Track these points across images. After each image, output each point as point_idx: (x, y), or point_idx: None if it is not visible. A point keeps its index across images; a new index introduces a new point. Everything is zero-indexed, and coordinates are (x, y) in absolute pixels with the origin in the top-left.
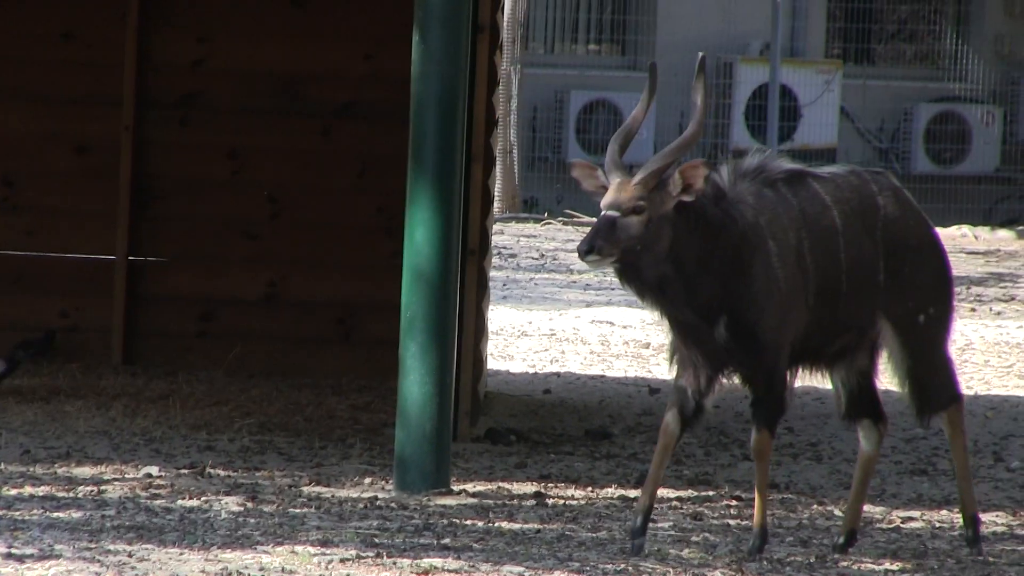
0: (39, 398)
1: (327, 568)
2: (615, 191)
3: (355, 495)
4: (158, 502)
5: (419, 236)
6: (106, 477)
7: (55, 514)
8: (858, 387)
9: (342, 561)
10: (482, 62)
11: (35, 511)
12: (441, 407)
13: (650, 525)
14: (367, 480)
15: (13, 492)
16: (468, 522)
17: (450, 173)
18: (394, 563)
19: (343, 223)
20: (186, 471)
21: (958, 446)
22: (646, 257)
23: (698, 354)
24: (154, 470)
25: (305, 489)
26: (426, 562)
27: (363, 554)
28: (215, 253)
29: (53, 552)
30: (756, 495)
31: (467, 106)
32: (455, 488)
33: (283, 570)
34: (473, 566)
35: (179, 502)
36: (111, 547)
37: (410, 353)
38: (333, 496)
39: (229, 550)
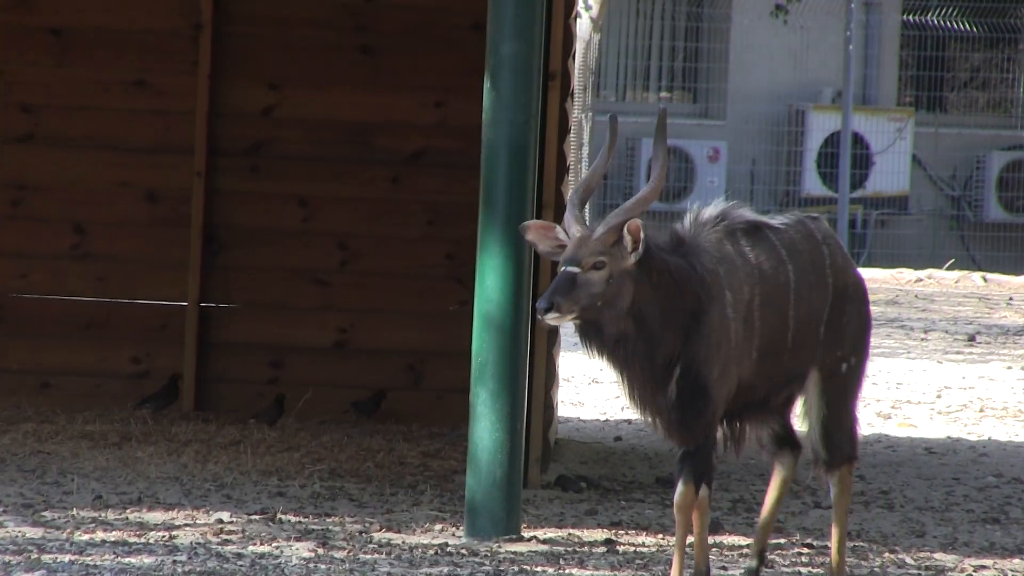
0: (111, 443)
1: None
2: (576, 247)
3: (426, 541)
4: (229, 548)
5: (490, 283)
6: (177, 523)
7: (126, 559)
8: (778, 426)
9: None
10: (553, 109)
11: (107, 556)
12: (512, 454)
13: (722, 572)
14: (438, 526)
15: (85, 537)
16: (539, 569)
17: (521, 220)
18: None
19: (413, 271)
20: (257, 517)
21: (842, 508)
22: (607, 314)
23: (653, 412)
24: (225, 516)
25: (376, 535)
26: None
27: None
28: (285, 301)
29: None
30: (675, 553)
31: (538, 153)
32: (525, 535)
33: None
34: None
35: (250, 548)
36: None
37: (480, 400)
38: (404, 542)
39: None
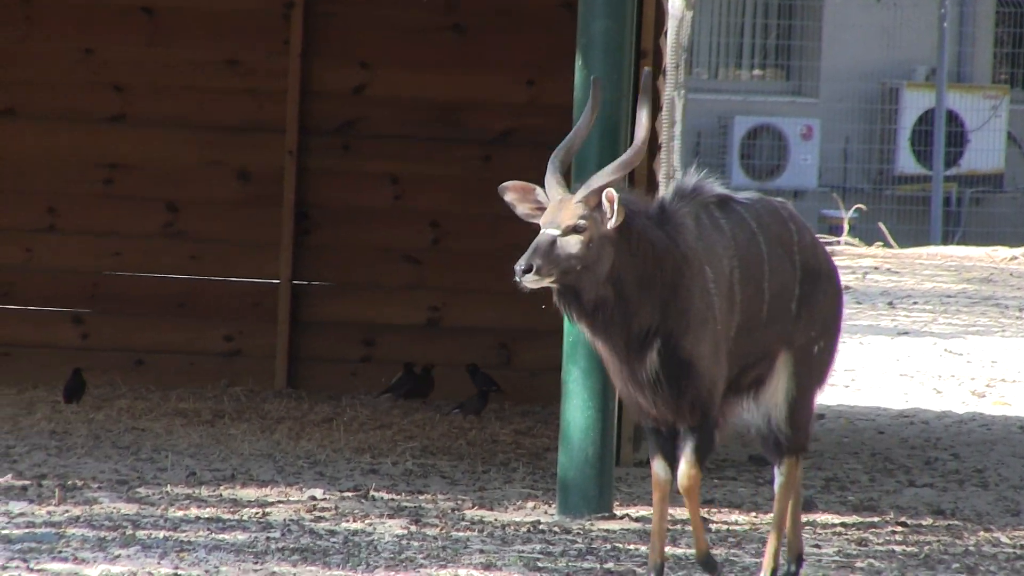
0: (204, 421)
1: None
2: (555, 209)
3: (518, 519)
4: (322, 524)
5: None
6: (271, 499)
7: (220, 536)
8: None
9: None
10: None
11: (201, 533)
12: (604, 432)
13: (815, 551)
14: (530, 504)
15: (179, 514)
16: (631, 547)
17: None
18: None
19: (504, 249)
20: (350, 494)
21: (784, 496)
22: (586, 278)
23: (634, 385)
24: (318, 493)
25: (468, 513)
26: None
27: None
28: (377, 279)
29: (219, 573)
30: (694, 530)
31: (629, 132)
32: (618, 512)
33: None
34: None
35: (343, 525)
36: (276, 569)
37: (572, 378)
38: (496, 520)
39: (392, 572)
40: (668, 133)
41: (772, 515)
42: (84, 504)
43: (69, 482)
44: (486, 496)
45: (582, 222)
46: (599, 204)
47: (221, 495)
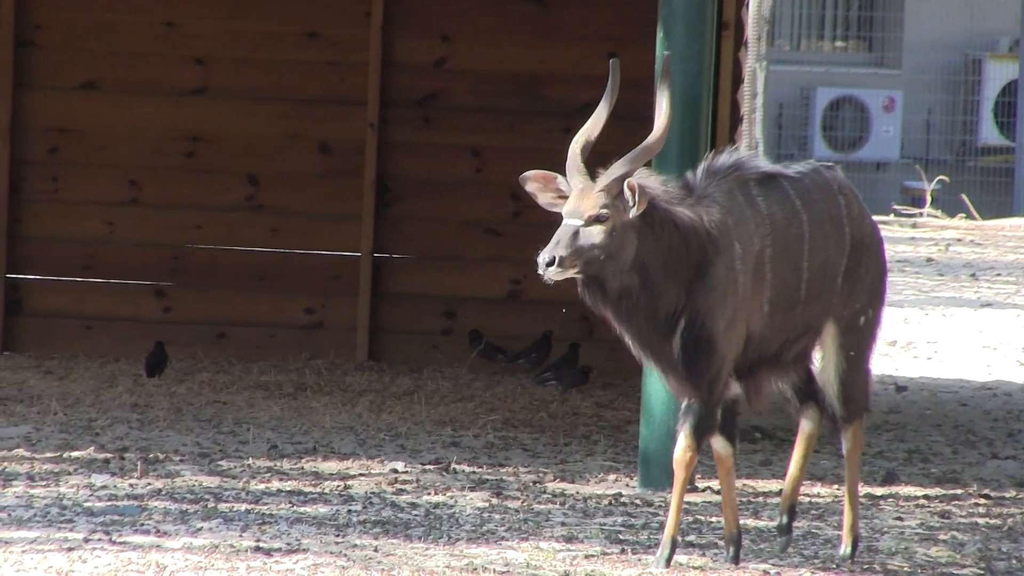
0: (286, 394)
1: (571, 564)
2: (577, 199)
3: (599, 492)
4: (404, 497)
5: None
6: (352, 472)
7: (302, 508)
8: (800, 380)
9: (587, 557)
10: (726, 59)
11: (282, 505)
12: None
13: (898, 523)
14: (611, 477)
15: (261, 487)
16: (712, 519)
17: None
18: (639, 559)
19: None
20: (431, 467)
21: (853, 461)
22: (610, 267)
23: (658, 367)
24: (400, 465)
25: (550, 485)
26: (672, 560)
27: (608, 550)
28: (458, 251)
29: (300, 546)
30: (672, 503)
31: (711, 104)
32: (699, 485)
33: (528, 566)
34: (719, 563)
35: (424, 498)
36: (357, 541)
37: None
38: (578, 493)
39: (474, 545)
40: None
41: (845, 484)
42: (166, 477)
43: (151, 455)
44: (567, 469)
45: (604, 211)
46: (621, 192)
47: (303, 468)
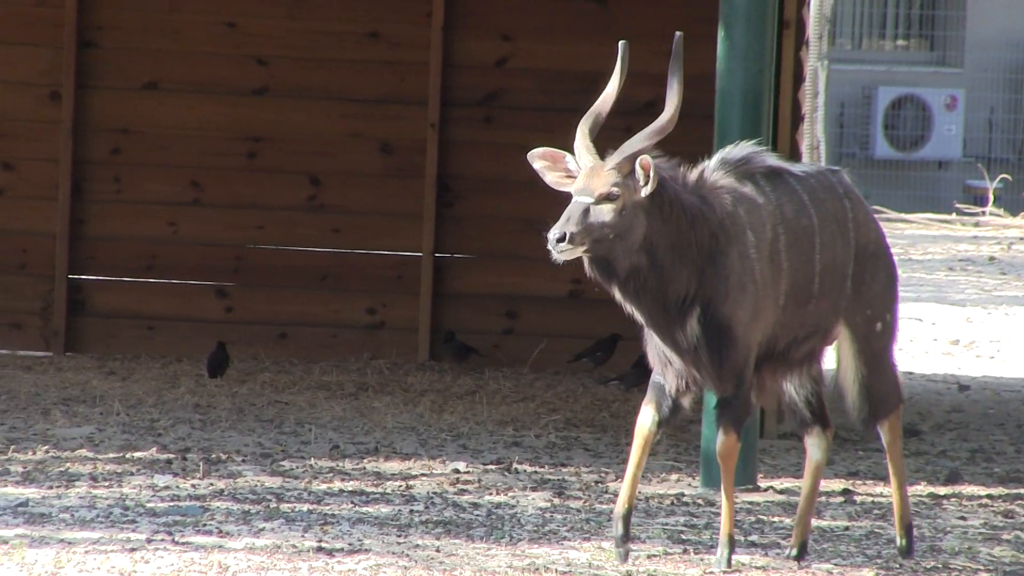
0: (348, 394)
1: (634, 564)
2: (588, 177)
3: (661, 491)
4: (465, 497)
5: None
6: (414, 472)
7: (364, 509)
8: (812, 393)
9: (649, 557)
10: (787, 58)
11: (344, 506)
12: None
13: (961, 523)
14: (673, 476)
15: (323, 487)
16: (775, 519)
17: None
18: (701, 559)
19: None
20: (493, 467)
21: (896, 452)
22: (619, 247)
23: (671, 351)
24: (461, 465)
25: (611, 485)
26: (733, 559)
27: (670, 550)
28: (519, 251)
29: (362, 546)
30: (723, 501)
31: (772, 102)
32: (762, 485)
33: (590, 566)
34: (781, 563)
35: (486, 497)
36: (419, 542)
37: None
38: (639, 492)
39: (536, 545)
40: (811, 104)
41: (892, 477)
42: (228, 477)
43: (213, 455)
44: None
45: (615, 190)
46: (631, 171)
47: (364, 468)
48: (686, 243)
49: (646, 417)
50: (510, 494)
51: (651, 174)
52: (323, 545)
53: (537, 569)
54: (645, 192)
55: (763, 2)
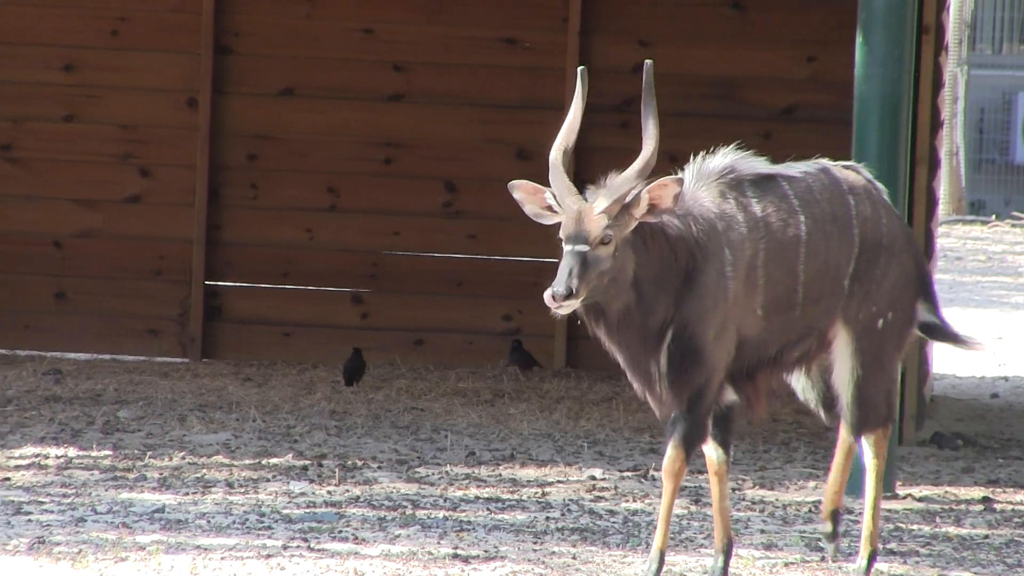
0: (484, 400)
1: (771, 571)
2: (579, 222)
3: (799, 499)
4: (602, 504)
5: None
6: (550, 479)
7: (499, 516)
8: (825, 387)
9: (786, 565)
10: (927, 63)
11: (480, 512)
12: None
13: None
14: (811, 484)
15: (459, 493)
16: (914, 527)
17: (894, 176)
18: (839, 567)
19: None
20: (630, 474)
21: (875, 472)
22: (613, 289)
23: (645, 381)
24: (597, 472)
25: (749, 492)
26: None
27: (807, 558)
28: None
29: (498, 553)
30: (660, 518)
31: (911, 108)
32: (900, 492)
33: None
34: (919, 571)
35: (623, 505)
36: (555, 549)
37: None
38: (777, 500)
39: (672, 553)
40: (950, 110)
41: (867, 496)
42: (364, 484)
43: (349, 462)
44: (767, 476)
45: (608, 233)
46: (620, 211)
47: (500, 475)
48: (668, 269)
49: (710, 451)
50: (647, 501)
51: (670, 192)
52: (459, 552)
53: None
54: (656, 217)
55: (902, 7)
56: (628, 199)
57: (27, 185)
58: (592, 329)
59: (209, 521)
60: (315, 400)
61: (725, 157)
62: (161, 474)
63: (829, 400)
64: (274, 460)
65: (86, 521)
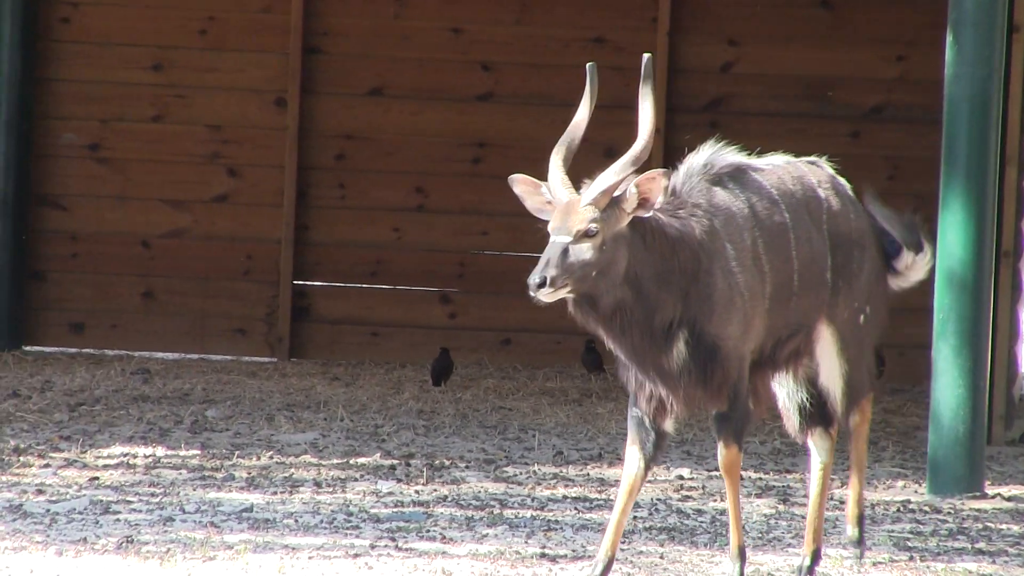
0: (571, 400)
1: (859, 571)
2: (563, 214)
3: (887, 498)
4: (689, 504)
5: (952, 238)
6: None
7: (587, 515)
8: (808, 396)
9: (874, 564)
10: (1017, 62)
11: (567, 512)
12: (974, 410)
13: None
14: (899, 483)
15: (546, 493)
16: (1003, 526)
17: (983, 175)
18: (927, 567)
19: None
20: (717, 473)
21: (861, 435)
22: (602, 283)
23: (655, 379)
24: (685, 472)
25: (836, 492)
26: (959, 566)
27: (896, 557)
28: None
29: (586, 553)
30: (731, 515)
31: (1001, 107)
32: (989, 492)
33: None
34: (1008, 571)
35: (710, 504)
36: (643, 548)
37: (942, 356)
38: (865, 499)
39: (760, 552)
40: None
41: (852, 458)
42: (451, 483)
43: (436, 461)
44: None
45: (593, 226)
46: (609, 204)
47: (588, 474)
48: (670, 269)
49: (632, 460)
50: None
51: (658, 185)
52: (546, 551)
53: None
54: (647, 211)
55: (992, 6)
56: (617, 192)
57: (116, 185)
58: (583, 322)
59: (297, 520)
60: (403, 400)
61: (703, 153)
62: (249, 473)
63: (806, 409)
64: (362, 460)
65: (174, 520)
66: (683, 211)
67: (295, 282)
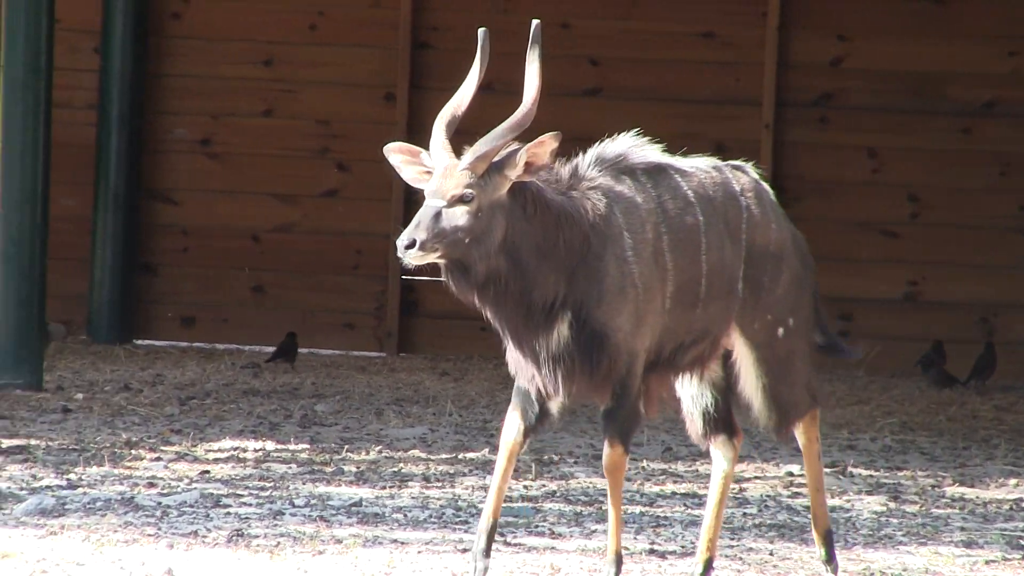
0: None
1: (971, 570)
2: (441, 178)
3: (1000, 496)
4: (799, 501)
5: None
6: (747, 475)
7: (696, 511)
8: (713, 402)
9: (987, 563)
10: None
11: (676, 508)
12: None
13: None
14: (1012, 481)
15: (655, 489)
16: None
17: None
18: None
19: (984, 222)
20: (828, 470)
21: (812, 455)
22: (476, 251)
23: (533, 360)
24: (795, 468)
25: (948, 490)
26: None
27: (1008, 556)
28: (852, 252)
29: (695, 549)
30: (611, 519)
31: None
32: None
33: (926, 571)
34: None
35: None
36: (752, 545)
37: None
38: (977, 497)
39: (871, 549)
40: None
41: (808, 481)
42: (560, 479)
43: (545, 457)
44: (967, 473)
45: (469, 191)
46: (488, 170)
47: (697, 470)
48: (552, 243)
49: (512, 425)
50: (845, 497)
51: (547, 149)
52: (655, 547)
53: (872, 573)
54: (532, 175)
55: None
56: (498, 157)
57: (226, 180)
58: (455, 290)
59: (406, 515)
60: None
61: (620, 144)
62: (358, 468)
63: (710, 415)
64: (470, 454)
65: (284, 514)
66: (576, 192)
67: (403, 277)
